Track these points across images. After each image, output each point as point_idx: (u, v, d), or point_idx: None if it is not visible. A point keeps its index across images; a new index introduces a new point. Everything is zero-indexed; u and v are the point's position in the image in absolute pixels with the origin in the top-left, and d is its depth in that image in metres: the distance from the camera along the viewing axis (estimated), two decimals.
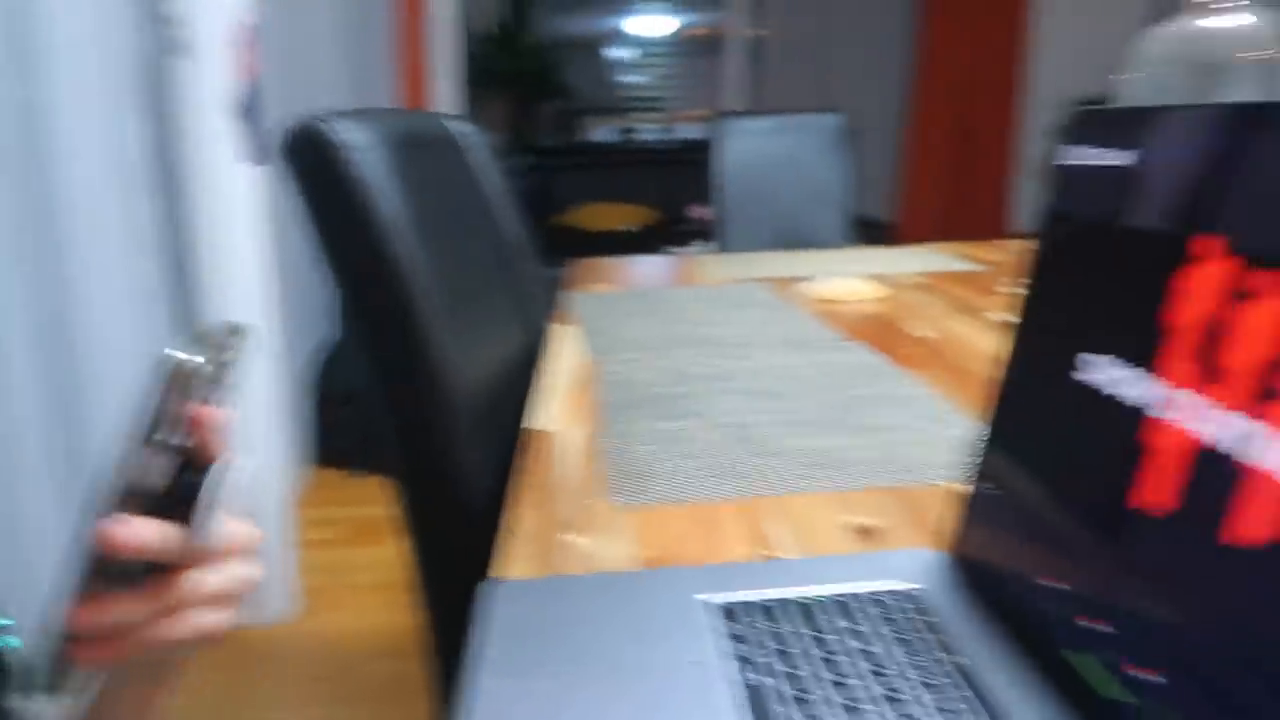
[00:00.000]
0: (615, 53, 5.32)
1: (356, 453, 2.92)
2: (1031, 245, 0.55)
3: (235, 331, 0.49)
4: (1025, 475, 0.52)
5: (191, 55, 1.91)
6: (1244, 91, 1.07)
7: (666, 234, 4.25)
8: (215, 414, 0.48)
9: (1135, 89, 1.16)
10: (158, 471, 0.46)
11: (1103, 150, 0.50)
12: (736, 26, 5.09)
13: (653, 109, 5.36)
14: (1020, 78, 5.05)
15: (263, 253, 2.08)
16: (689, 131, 5.18)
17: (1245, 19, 1.10)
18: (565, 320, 1.43)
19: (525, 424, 1.10)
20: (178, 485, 0.47)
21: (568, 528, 0.71)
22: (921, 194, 5.15)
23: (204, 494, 0.47)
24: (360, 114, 1.01)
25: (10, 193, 1.53)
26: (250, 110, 2.01)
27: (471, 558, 0.98)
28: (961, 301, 1.47)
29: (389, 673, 1.98)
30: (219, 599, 0.50)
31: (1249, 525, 0.36)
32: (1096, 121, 0.52)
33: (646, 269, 1.93)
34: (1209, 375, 0.39)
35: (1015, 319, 0.55)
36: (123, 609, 0.47)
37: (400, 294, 0.96)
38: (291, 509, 2.22)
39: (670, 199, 4.57)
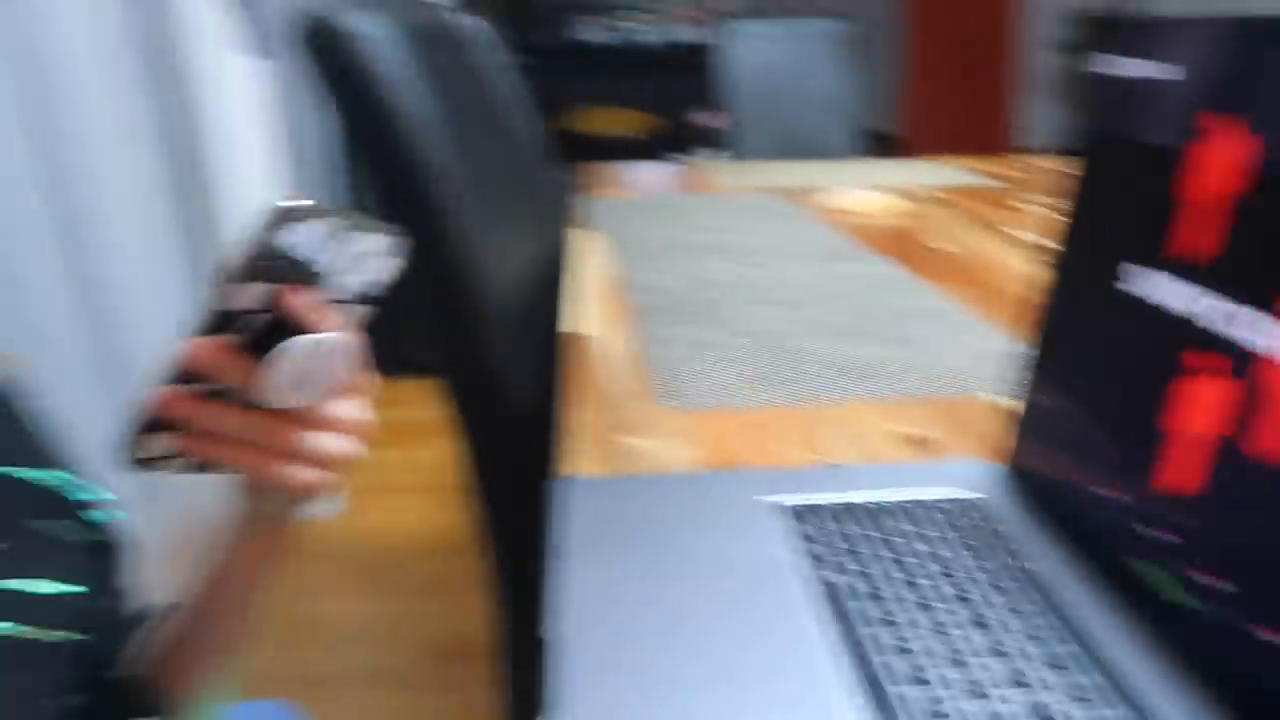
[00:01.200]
0: None
1: (390, 355, 2.91)
2: (1066, 161, 0.56)
3: (367, 225, 0.50)
4: (1077, 390, 0.54)
5: None
6: None
7: (668, 140, 4.19)
8: (291, 294, 0.49)
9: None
10: (246, 310, 0.48)
11: (1143, 61, 0.50)
12: None
13: (643, 9, 5.22)
14: None
15: (266, 150, 2.04)
16: (683, 33, 5.06)
17: None
18: (584, 225, 1.42)
19: (560, 328, 1.11)
20: (263, 337, 0.49)
21: (623, 429, 0.72)
22: (925, 106, 5.09)
23: (283, 349, 0.48)
24: (371, 5, 0.99)
25: (6, 93, 1.48)
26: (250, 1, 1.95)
27: (520, 455, 1.00)
28: (980, 217, 1.47)
29: (430, 569, 2.03)
30: (315, 459, 0.52)
31: None
32: (1135, 31, 0.51)
33: (658, 175, 1.92)
34: (1261, 287, 0.40)
35: (1057, 233, 0.56)
36: (208, 411, 0.49)
37: (430, 191, 0.95)
38: None
39: (669, 104, 4.49)
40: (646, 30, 5.22)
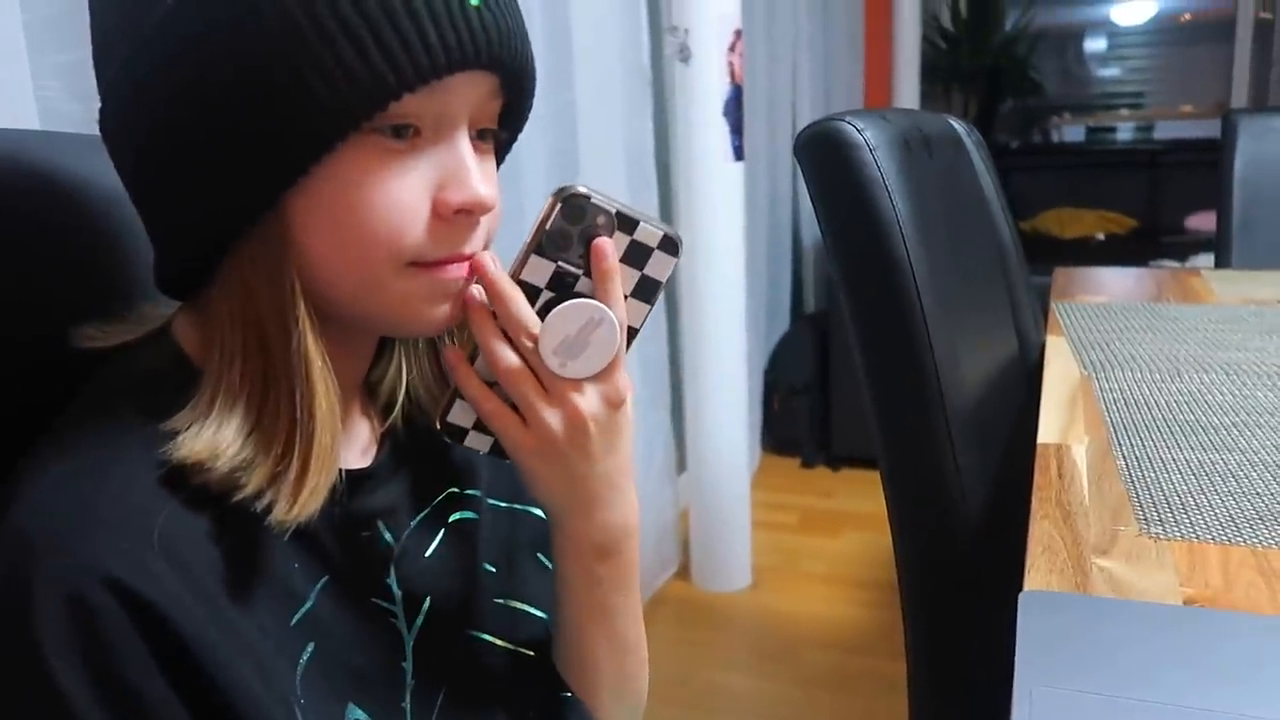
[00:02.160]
0: (1102, 44, 4.90)
1: (806, 442, 3.01)
2: None
3: (649, 223, 0.52)
4: None
5: (692, 61, 2.07)
6: None
7: (1153, 245, 3.84)
8: (607, 247, 0.51)
9: None
10: (538, 285, 0.51)
11: None
12: (1243, 7, 4.47)
13: (1128, 105, 4.88)
14: None
15: (738, 245, 2.21)
16: (1175, 130, 4.66)
17: None
18: (1054, 330, 1.35)
19: (1021, 434, 1.07)
20: (547, 305, 0.51)
21: (1097, 550, 0.68)
22: None
23: (564, 307, 0.50)
24: (871, 113, 1.04)
25: (547, 186, 1.77)
26: (733, 110, 2.14)
27: (967, 564, 0.98)
28: None
29: (833, 662, 2.03)
30: (530, 412, 0.53)
31: None
32: None
33: (1138, 282, 1.77)
34: None
35: None
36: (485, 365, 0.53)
37: (902, 293, 0.96)
38: (747, 488, 2.35)
39: (1154, 205, 4.13)
40: (1125, 127, 4.88)
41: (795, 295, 3.51)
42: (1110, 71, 4.94)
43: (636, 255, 0.52)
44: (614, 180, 1.97)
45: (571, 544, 0.60)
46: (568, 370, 0.52)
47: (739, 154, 2.14)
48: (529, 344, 0.51)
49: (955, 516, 0.96)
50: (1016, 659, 0.52)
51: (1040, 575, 0.64)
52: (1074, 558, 0.67)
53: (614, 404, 0.55)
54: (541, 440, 0.53)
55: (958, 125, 1.36)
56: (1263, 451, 0.86)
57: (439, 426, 0.55)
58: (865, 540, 2.55)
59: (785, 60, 3.18)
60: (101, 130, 0.51)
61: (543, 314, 0.51)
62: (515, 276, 0.51)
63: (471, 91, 0.50)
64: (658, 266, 0.53)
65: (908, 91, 4.09)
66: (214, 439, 0.47)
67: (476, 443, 0.56)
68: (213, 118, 0.45)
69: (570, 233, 0.50)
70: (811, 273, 3.61)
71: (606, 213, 0.51)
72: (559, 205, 0.50)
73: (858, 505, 2.77)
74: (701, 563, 2.33)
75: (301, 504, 0.48)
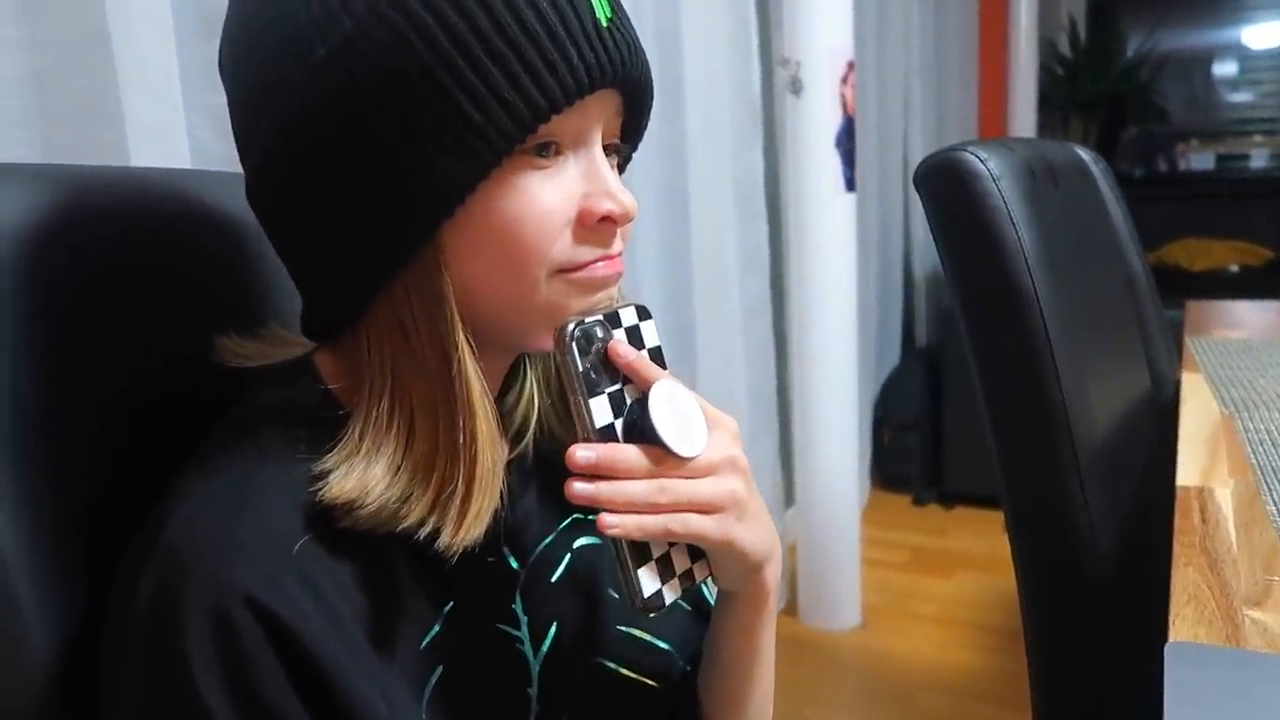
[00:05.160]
0: (1232, 68, 4.69)
1: (917, 479, 2.94)
2: None
3: (619, 308, 0.52)
4: None
5: (804, 93, 2.07)
6: None
7: None
8: (624, 348, 0.51)
9: None
10: (609, 417, 0.50)
11: None
12: None
13: (1262, 131, 4.64)
14: None
15: (849, 277, 2.18)
16: None
17: None
18: (1190, 366, 1.29)
19: (1155, 475, 1.02)
20: (632, 422, 0.51)
21: (1248, 601, 0.64)
22: None
23: (653, 414, 0.50)
24: (994, 143, 1.01)
25: (656, 218, 1.78)
26: (844, 141, 2.12)
27: (1098, 611, 0.93)
28: None
29: (949, 708, 1.96)
30: (707, 506, 0.52)
31: None
32: None
33: (1278, 316, 1.68)
34: None
35: None
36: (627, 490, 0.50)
37: (1027, 325, 0.94)
38: (858, 525, 2.30)
39: None
40: (1259, 154, 4.65)
41: (906, 328, 3.44)
42: (1242, 96, 4.71)
43: (635, 338, 0.53)
44: (723, 212, 1.97)
45: (752, 592, 0.60)
46: (697, 447, 0.52)
47: (850, 185, 2.12)
48: (662, 466, 0.51)
49: (1085, 557, 0.92)
50: (1166, 714, 0.50)
51: (1187, 626, 0.61)
52: (1223, 608, 0.63)
53: (735, 441, 0.55)
54: (728, 504, 0.53)
55: (1084, 154, 1.32)
56: None
57: (641, 608, 0.52)
58: (980, 582, 2.47)
59: (897, 91, 3.14)
60: (252, 196, 0.53)
61: (630, 436, 0.51)
62: (591, 435, 0.50)
63: (603, 107, 0.52)
64: (650, 335, 0.55)
65: (1024, 120, 3.98)
66: (363, 477, 0.48)
67: (673, 592, 0.53)
68: (374, 157, 0.46)
69: (594, 362, 0.51)
70: (924, 306, 3.53)
71: (600, 322, 0.52)
72: (573, 346, 0.50)
73: (971, 545, 2.68)
74: (809, 600, 2.29)
75: (467, 528, 0.49)
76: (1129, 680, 0.90)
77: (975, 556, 2.60)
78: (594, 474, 0.49)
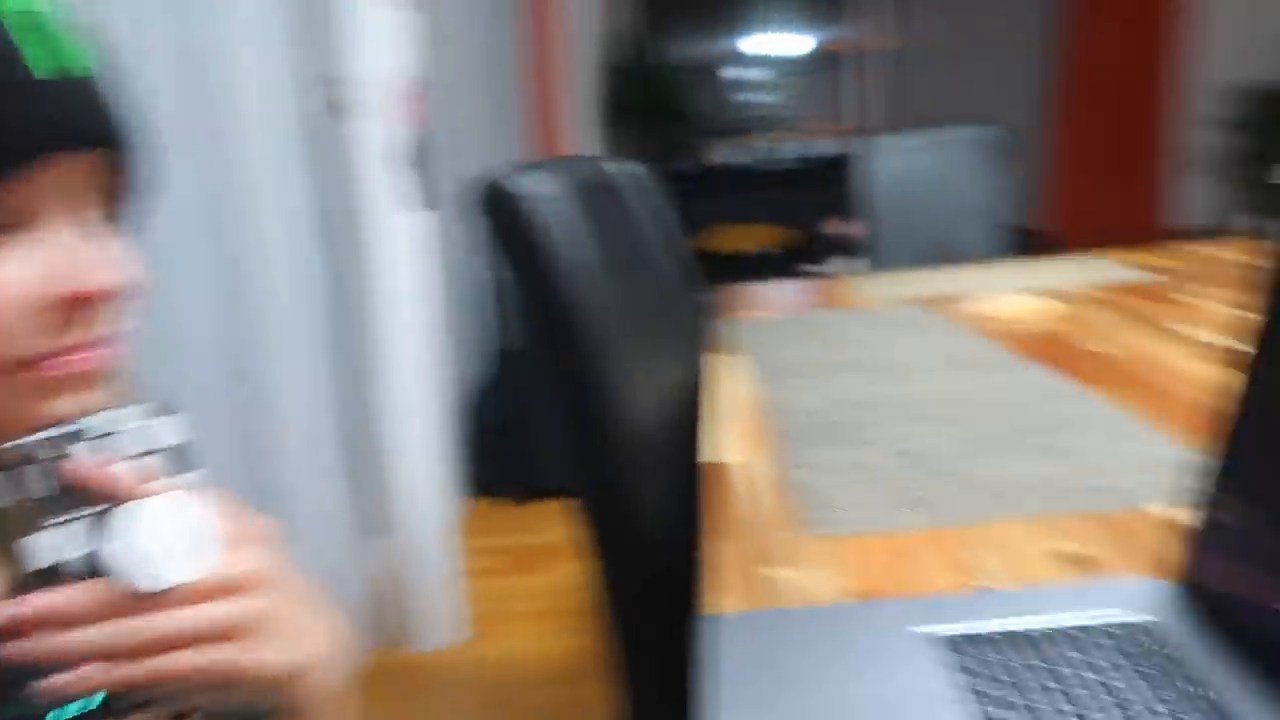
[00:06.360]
0: (740, 72, 5.37)
1: (514, 482, 3.00)
2: (1236, 245, 0.53)
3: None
4: (1274, 501, 0.50)
5: (355, 114, 2.02)
6: None
7: (803, 253, 4.22)
8: (83, 467, 0.44)
9: None
10: (72, 545, 0.44)
11: None
12: (871, 39, 5.06)
13: (778, 128, 5.35)
14: (1176, 66, 4.83)
15: (425, 294, 2.17)
16: (821, 148, 5.15)
17: None
18: (723, 349, 1.44)
19: (701, 455, 1.12)
20: (97, 549, 0.44)
21: (768, 560, 0.72)
22: (1074, 196, 4.98)
23: (116, 541, 0.44)
24: (545, 165, 1.07)
25: (205, 256, 1.65)
26: (421, 159, 2.11)
27: (657, 586, 1.00)
28: (1141, 314, 1.41)
29: (554, 699, 2.02)
30: (213, 635, 0.46)
31: None
32: None
33: (796, 293, 1.93)
34: None
35: (1250, 329, 0.53)
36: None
37: (577, 337, 0.99)
38: (454, 538, 2.30)
39: (803, 217, 4.55)
40: (781, 147, 5.34)
41: (495, 335, 3.50)
42: (761, 97, 5.40)
43: (138, 442, 0.46)
44: (278, 241, 1.87)
45: (293, 710, 0.52)
46: (183, 574, 0.45)
47: (416, 203, 2.11)
48: (136, 602, 0.44)
49: (641, 540, 0.99)
50: (688, 680, 0.54)
51: (712, 594, 0.67)
52: (743, 571, 0.70)
53: (260, 550, 0.49)
54: (237, 629, 0.46)
55: (631, 168, 1.42)
56: (897, 441, 0.95)
57: None
58: (578, 568, 2.58)
59: (467, 110, 3.20)
60: None
61: (94, 574, 0.44)
62: (22, 587, 0.43)
63: (66, 173, 0.45)
64: (165, 435, 0.47)
65: (583, 131, 4.23)
66: None
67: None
68: None
69: (52, 485, 0.43)
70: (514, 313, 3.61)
71: (49, 440, 0.44)
72: (19, 471, 0.43)
73: (569, 535, 2.80)
74: (415, 626, 2.26)
75: None
76: (679, 650, 0.99)
77: (573, 545, 2.71)
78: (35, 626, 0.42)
